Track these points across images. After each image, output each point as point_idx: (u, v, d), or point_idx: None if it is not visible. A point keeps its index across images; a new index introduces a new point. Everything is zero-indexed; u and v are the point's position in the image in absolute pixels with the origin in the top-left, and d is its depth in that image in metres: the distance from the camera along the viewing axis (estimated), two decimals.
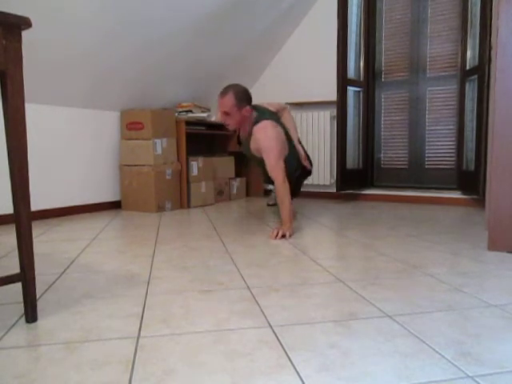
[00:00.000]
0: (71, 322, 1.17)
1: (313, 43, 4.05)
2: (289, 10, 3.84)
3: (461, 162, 3.53)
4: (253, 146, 2.50)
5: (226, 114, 2.41)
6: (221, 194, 3.88)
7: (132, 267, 1.72)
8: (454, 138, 3.63)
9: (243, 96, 2.43)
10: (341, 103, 3.61)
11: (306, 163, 2.68)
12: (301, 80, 4.15)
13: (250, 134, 2.50)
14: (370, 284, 1.46)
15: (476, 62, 3.25)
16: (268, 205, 3.51)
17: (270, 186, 3.32)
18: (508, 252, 1.89)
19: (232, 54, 3.83)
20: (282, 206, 2.31)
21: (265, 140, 2.38)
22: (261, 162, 2.50)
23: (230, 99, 2.38)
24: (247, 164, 4.39)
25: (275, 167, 2.33)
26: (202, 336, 1.07)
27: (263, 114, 2.51)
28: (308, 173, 2.77)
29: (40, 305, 1.31)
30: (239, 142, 2.78)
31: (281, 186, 2.30)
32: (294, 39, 4.15)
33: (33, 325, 1.16)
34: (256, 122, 2.46)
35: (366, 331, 1.08)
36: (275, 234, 2.23)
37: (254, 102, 4.38)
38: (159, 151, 3.26)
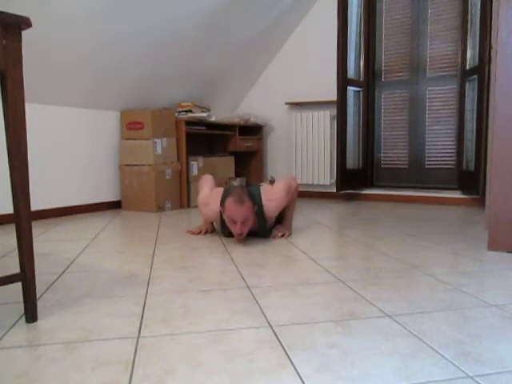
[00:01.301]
0: (71, 321, 1.17)
1: (313, 43, 4.04)
2: (289, 10, 3.84)
3: (461, 161, 3.53)
4: (274, 212, 2.21)
5: (244, 221, 2.04)
6: None
7: (132, 267, 1.72)
8: (454, 138, 3.63)
9: (252, 195, 2.12)
10: (341, 103, 3.61)
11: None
12: (301, 80, 4.15)
13: (262, 216, 2.21)
14: (370, 284, 1.46)
15: (476, 62, 3.25)
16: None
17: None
18: (508, 252, 1.89)
19: (232, 53, 3.83)
20: (291, 209, 2.34)
21: (278, 198, 2.18)
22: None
23: (249, 206, 2.02)
24: (247, 164, 4.40)
25: (285, 190, 2.22)
26: (202, 336, 1.07)
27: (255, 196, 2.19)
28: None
29: (40, 305, 1.31)
30: (257, 233, 2.32)
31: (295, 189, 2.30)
32: (294, 39, 4.15)
33: (33, 325, 1.16)
34: (257, 205, 2.16)
35: (366, 331, 1.08)
36: (274, 234, 2.27)
37: (255, 101, 4.43)
38: (159, 151, 3.26)
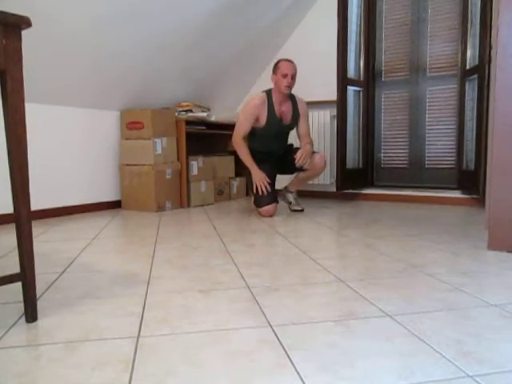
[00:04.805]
0: (71, 321, 1.17)
1: (313, 43, 4.04)
2: (289, 10, 3.84)
3: (461, 161, 3.53)
4: (301, 111, 3.04)
5: (293, 76, 2.83)
6: (221, 194, 3.88)
7: (132, 267, 1.72)
8: (454, 138, 3.63)
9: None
10: (341, 103, 3.61)
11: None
12: (300, 80, 4.12)
13: (292, 103, 3.01)
14: (371, 284, 1.46)
15: (476, 62, 3.25)
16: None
17: (289, 197, 3.21)
18: (508, 251, 1.89)
19: (232, 53, 3.83)
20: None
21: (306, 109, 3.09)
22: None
23: (296, 66, 2.86)
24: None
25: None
26: (202, 336, 1.07)
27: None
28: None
29: (40, 304, 1.31)
30: (278, 120, 3.00)
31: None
32: (294, 39, 4.15)
33: (33, 324, 1.16)
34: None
35: (366, 331, 1.08)
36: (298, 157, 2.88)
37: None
38: (159, 151, 3.26)
